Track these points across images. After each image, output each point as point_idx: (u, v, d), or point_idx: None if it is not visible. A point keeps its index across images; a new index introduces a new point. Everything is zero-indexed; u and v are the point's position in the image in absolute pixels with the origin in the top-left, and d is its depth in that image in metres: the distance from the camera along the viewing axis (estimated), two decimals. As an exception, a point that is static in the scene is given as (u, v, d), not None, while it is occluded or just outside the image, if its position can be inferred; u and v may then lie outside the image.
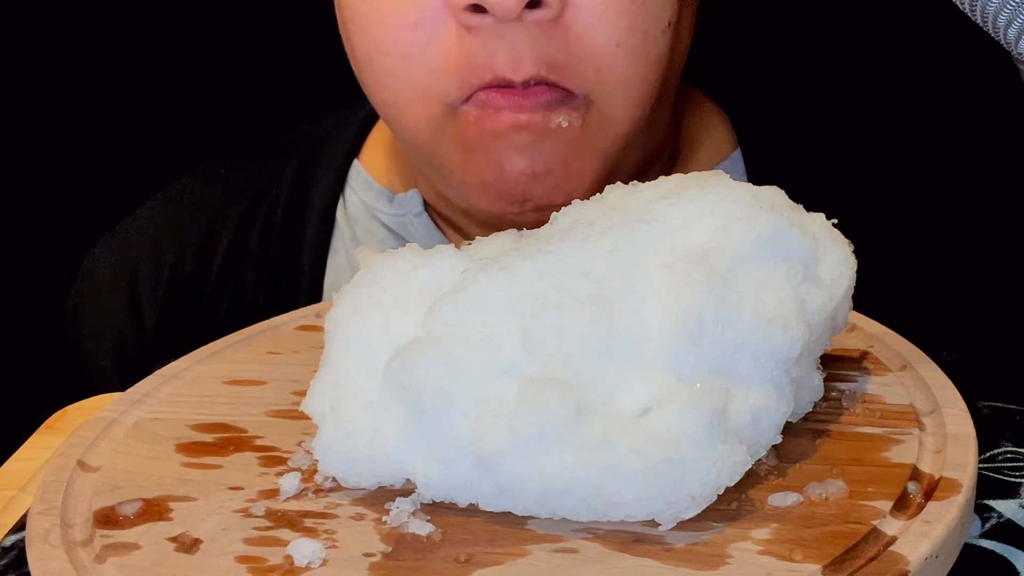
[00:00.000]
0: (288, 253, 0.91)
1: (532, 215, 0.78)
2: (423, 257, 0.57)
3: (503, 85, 0.74)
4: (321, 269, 0.90)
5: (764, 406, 0.53)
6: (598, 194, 0.60)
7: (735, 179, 0.87)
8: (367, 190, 0.90)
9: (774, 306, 0.54)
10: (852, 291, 0.58)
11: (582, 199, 0.76)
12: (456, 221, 0.88)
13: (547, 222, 0.59)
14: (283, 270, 0.91)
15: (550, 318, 0.52)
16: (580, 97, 0.75)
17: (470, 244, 0.60)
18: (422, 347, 0.53)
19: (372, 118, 0.94)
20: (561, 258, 0.54)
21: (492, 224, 0.83)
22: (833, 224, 0.59)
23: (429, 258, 0.57)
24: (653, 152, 0.85)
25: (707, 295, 0.53)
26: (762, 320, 0.54)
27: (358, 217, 0.90)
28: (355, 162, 0.92)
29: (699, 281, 0.53)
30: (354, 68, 0.81)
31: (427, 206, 0.89)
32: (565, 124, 0.74)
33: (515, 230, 0.61)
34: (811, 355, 0.57)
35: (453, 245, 0.58)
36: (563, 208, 0.60)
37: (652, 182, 0.59)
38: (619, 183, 0.60)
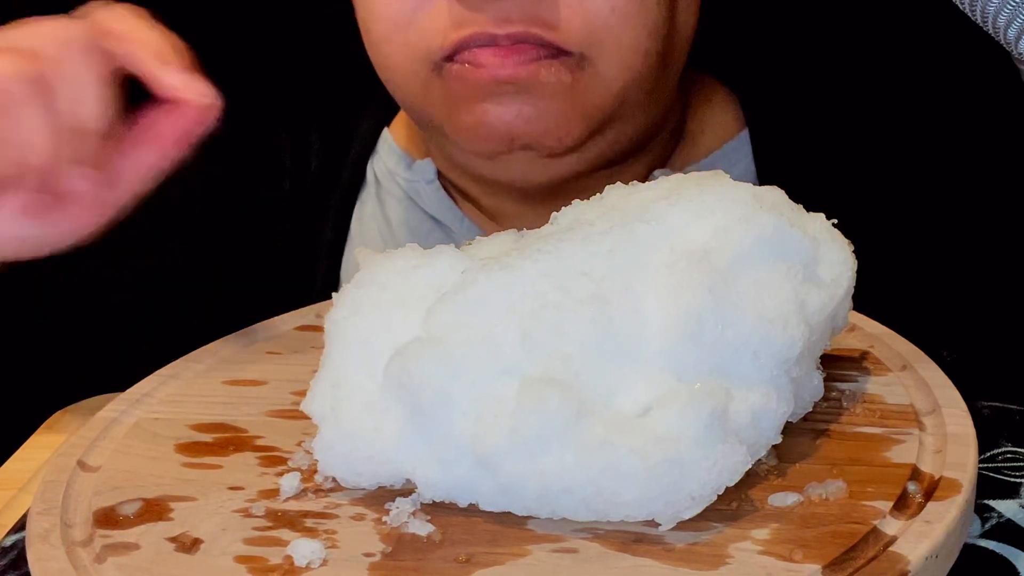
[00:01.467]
0: (320, 192, 0.93)
1: (522, 160, 0.80)
2: (423, 257, 0.57)
3: (486, 43, 0.75)
4: (348, 213, 0.93)
5: (764, 406, 0.53)
6: (598, 194, 0.60)
7: (741, 159, 0.88)
8: (390, 154, 0.94)
9: (774, 306, 0.54)
10: (852, 291, 0.58)
11: (574, 147, 0.77)
12: (467, 189, 0.89)
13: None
14: (314, 206, 0.93)
15: (550, 318, 0.53)
16: (575, 55, 0.76)
17: (470, 244, 0.60)
18: (422, 347, 0.53)
19: None
20: (561, 258, 0.54)
21: (500, 190, 0.84)
22: (833, 224, 0.59)
23: (429, 258, 0.57)
24: (654, 126, 0.86)
25: (707, 295, 0.53)
26: (762, 320, 0.54)
27: (383, 179, 0.94)
28: (385, 130, 0.94)
29: (699, 281, 0.53)
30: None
31: (441, 176, 0.91)
32: (552, 80, 0.75)
33: (515, 230, 0.61)
34: (811, 355, 0.57)
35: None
36: (563, 208, 0.60)
37: (652, 182, 0.59)
38: (619, 183, 0.60)
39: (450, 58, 0.77)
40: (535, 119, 0.77)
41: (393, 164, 0.94)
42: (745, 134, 0.91)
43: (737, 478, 0.52)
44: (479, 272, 0.54)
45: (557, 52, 0.76)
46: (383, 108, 0.96)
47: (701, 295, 0.53)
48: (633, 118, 0.82)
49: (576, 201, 0.60)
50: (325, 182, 0.95)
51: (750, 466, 0.53)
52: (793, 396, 0.55)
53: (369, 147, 0.95)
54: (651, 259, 0.54)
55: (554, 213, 0.60)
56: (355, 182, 0.94)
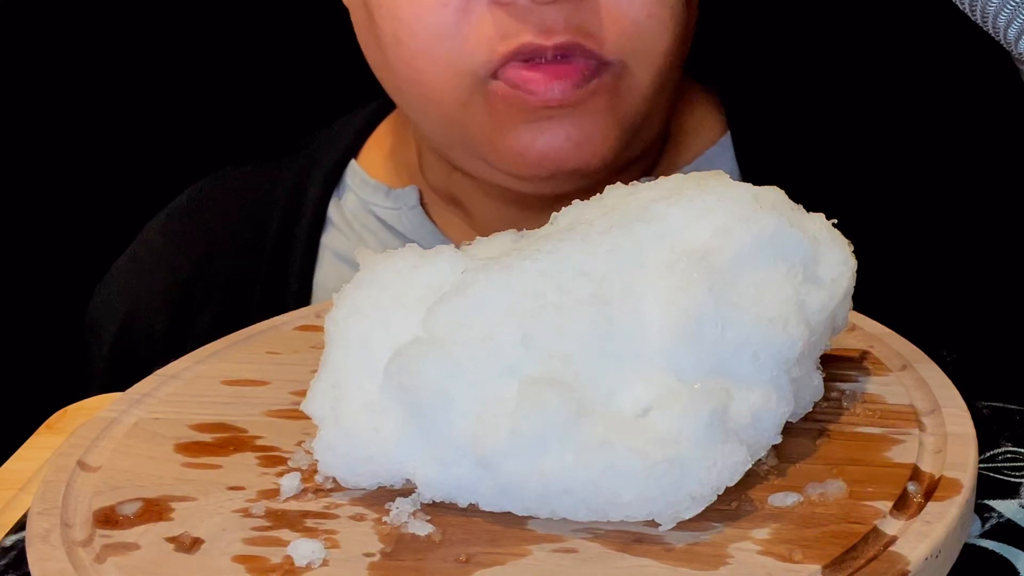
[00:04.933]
0: (281, 250, 0.92)
1: (550, 188, 0.79)
2: (423, 257, 0.57)
3: (533, 55, 0.74)
4: (312, 262, 0.91)
5: (764, 406, 0.53)
6: (598, 195, 0.60)
7: (725, 163, 0.88)
8: (363, 187, 0.92)
9: (774, 306, 0.54)
10: (852, 291, 0.58)
11: (604, 162, 0.77)
12: (465, 202, 0.89)
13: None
14: (275, 264, 0.92)
15: (550, 318, 0.53)
16: (614, 64, 0.76)
17: (470, 244, 0.60)
18: (422, 347, 0.53)
19: (373, 122, 0.96)
20: (561, 258, 0.54)
21: (504, 200, 0.84)
22: (833, 224, 0.59)
23: (429, 258, 0.57)
24: (654, 135, 0.86)
25: (707, 295, 0.53)
26: (762, 320, 0.54)
27: (356, 213, 0.92)
28: (352, 162, 0.94)
29: (699, 281, 0.53)
30: (375, 55, 0.82)
31: (422, 202, 0.90)
32: (597, 98, 0.76)
33: (514, 230, 0.61)
34: (811, 355, 0.57)
35: (452, 243, 0.58)
36: (563, 208, 0.60)
37: (652, 182, 0.59)
38: (619, 183, 0.60)
39: (495, 75, 0.76)
40: (583, 143, 0.77)
41: (369, 195, 0.92)
42: (727, 138, 0.91)
43: (737, 478, 0.52)
44: (479, 272, 0.54)
45: (598, 65, 0.75)
46: (335, 148, 0.95)
47: (701, 295, 0.53)
48: (652, 122, 0.82)
49: (576, 201, 0.60)
50: (287, 222, 0.93)
51: (750, 466, 0.53)
52: (793, 396, 0.55)
53: (329, 189, 0.93)
54: (651, 259, 0.54)
55: (554, 213, 0.60)
56: (316, 223, 0.92)
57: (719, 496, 0.51)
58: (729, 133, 0.91)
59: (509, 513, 0.53)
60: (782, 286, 0.55)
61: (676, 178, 0.59)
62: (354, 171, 0.94)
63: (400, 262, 0.57)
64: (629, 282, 0.54)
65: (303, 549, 0.51)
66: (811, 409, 0.58)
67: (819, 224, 0.58)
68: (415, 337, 0.53)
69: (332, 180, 0.93)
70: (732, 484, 0.52)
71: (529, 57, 0.75)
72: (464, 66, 0.76)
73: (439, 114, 0.80)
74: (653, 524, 0.51)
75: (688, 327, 0.53)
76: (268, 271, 0.92)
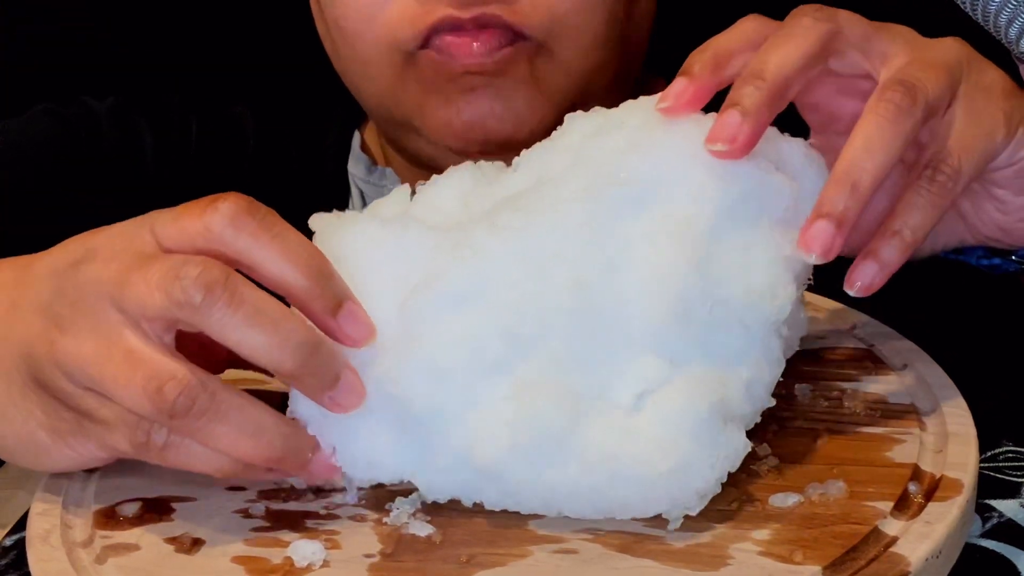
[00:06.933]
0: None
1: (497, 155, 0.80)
2: (384, 228, 0.54)
3: (454, 27, 0.76)
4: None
5: (756, 377, 0.53)
6: (559, 130, 0.58)
7: None
8: (353, 156, 0.93)
9: (761, 272, 0.53)
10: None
11: (532, 135, 0.75)
12: None
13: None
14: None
15: (530, 309, 0.51)
16: (533, 40, 0.77)
17: (424, 183, 0.57)
18: (404, 352, 0.52)
19: None
20: (532, 237, 0.52)
21: None
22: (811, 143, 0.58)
23: (393, 231, 0.54)
24: None
25: (692, 273, 0.52)
26: (751, 294, 0.53)
27: (360, 185, 0.93)
28: (356, 132, 0.95)
29: (683, 259, 0.52)
30: (328, 44, 0.85)
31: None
32: (516, 67, 0.77)
33: (471, 162, 0.58)
34: (797, 298, 0.55)
35: (407, 187, 0.56)
36: (523, 152, 0.58)
37: (617, 116, 0.56)
38: (579, 111, 0.58)
39: (423, 46, 0.78)
40: (505, 114, 0.78)
41: (352, 165, 0.94)
42: None
43: (739, 463, 0.52)
44: (450, 259, 0.52)
45: (515, 37, 0.77)
46: (352, 111, 0.96)
47: (686, 274, 0.52)
48: (598, 103, 0.83)
49: (537, 145, 0.58)
50: (309, 193, 0.94)
51: (750, 449, 0.53)
52: (783, 353, 0.55)
53: (344, 153, 0.95)
54: (629, 229, 0.53)
55: (516, 159, 0.58)
56: (342, 191, 0.94)
57: (719, 496, 0.51)
58: None
59: (510, 513, 0.52)
60: (767, 246, 0.53)
61: (642, 111, 0.56)
62: (355, 139, 0.95)
63: (361, 238, 0.54)
64: (608, 259, 0.52)
65: (303, 550, 0.51)
66: (799, 348, 0.58)
67: (797, 151, 0.56)
68: (396, 336, 0.52)
69: (347, 146, 0.95)
70: (734, 470, 0.52)
71: (451, 29, 0.77)
72: (392, 43, 0.79)
73: (378, 91, 0.82)
74: (654, 524, 0.51)
75: (675, 308, 0.52)
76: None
